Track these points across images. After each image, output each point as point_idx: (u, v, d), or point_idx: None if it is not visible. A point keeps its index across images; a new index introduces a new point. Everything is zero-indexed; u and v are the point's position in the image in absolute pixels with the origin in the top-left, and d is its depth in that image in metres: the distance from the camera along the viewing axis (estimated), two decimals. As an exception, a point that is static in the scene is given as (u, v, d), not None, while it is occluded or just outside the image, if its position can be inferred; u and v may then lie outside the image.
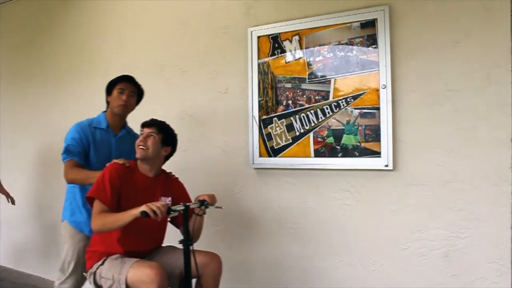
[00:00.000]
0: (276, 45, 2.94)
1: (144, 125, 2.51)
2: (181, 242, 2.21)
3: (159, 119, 2.55)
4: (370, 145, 2.64)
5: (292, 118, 2.87)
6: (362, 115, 2.66)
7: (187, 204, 2.26)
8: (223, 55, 3.21)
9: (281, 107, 2.91)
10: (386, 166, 2.59)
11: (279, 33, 2.93)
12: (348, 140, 2.70)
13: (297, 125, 2.86)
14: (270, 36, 2.97)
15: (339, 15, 2.73)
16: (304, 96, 2.83)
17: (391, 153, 2.57)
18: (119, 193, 2.36)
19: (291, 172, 2.92)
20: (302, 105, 2.83)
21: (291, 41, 2.89)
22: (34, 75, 4.48)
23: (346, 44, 2.72)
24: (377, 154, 2.61)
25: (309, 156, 2.82)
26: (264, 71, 2.97)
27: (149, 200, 2.21)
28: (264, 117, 2.97)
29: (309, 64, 2.83)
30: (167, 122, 2.58)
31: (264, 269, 3.01)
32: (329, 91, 2.76)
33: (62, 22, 4.26)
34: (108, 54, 3.88)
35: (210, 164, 3.18)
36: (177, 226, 2.55)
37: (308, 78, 2.82)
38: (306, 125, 2.82)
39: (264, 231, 3.03)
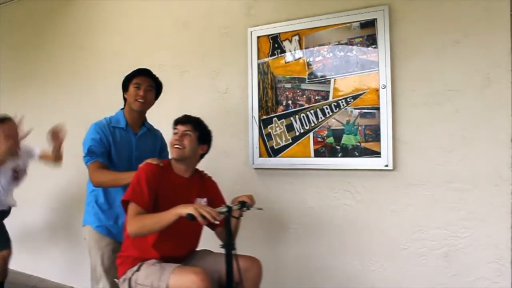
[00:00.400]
0: (276, 45, 2.94)
1: (178, 122, 2.36)
2: (223, 246, 2.07)
3: (193, 115, 2.44)
4: (370, 145, 2.63)
5: (292, 118, 2.87)
6: (362, 115, 2.66)
7: (230, 205, 2.13)
8: (223, 55, 3.22)
9: (281, 107, 2.91)
10: (386, 166, 2.59)
11: (279, 33, 2.93)
12: (348, 140, 2.70)
13: (297, 125, 2.85)
14: (270, 36, 2.97)
15: (339, 15, 2.73)
16: (304, 96, 2.83)
17: (391, 153, 2.57)
18: (156, 196, 2.21)
19: (291, 172, 2.92)
20: (302, 105, 2.83)
21: (291, 41, 2.89)
22: (34, 75, 4.47)
23: (346, 44, 2.72)
24: (377, 154, 2.61)
25: (309, 156, 2.82)
26: (264, 71, 2.97)
27: (186, 202, 2.08)
28: (264, 117, 2.97)
29: (308, 64, 2.83)
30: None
31: (263, 269, 3.00)
32: (329, 91, 2.76)
33: (61, 22, 4.27)
34: (108, 54, 3.88)
35: (210, 164, 3.17)
36: (212, 228, 2.40)
37: (308, 78, 2.82)
38: (306, 125, 2.82)
39: (263, 231, 3.03)
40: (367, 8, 2.66)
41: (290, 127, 2.88)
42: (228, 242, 2.06)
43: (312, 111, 2.81)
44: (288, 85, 2.89)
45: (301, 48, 2.85)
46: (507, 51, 2.33)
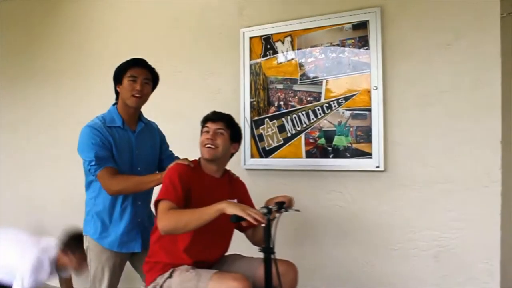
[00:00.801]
0: (268, 46, 2.94)
1: (209, 119, 2.21)
2: (262, 250, 1.94)
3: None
4: (361, 146, 2.64)
5: (283, 119, 2.87)
6: (354, 116, 2.67)
7: (270, 207, 2.00)
8: (216, 55, 3.21)
9: (273, 108, 2.91)
10: (377, 167, 2.60)
11: (271, 34, 2.93)
12: (339, 141, 2.71)
13: (288, 126, 2.86)
14: (262, 37, 2.97)
15: (331, 16, 2.74)
16: (296, 97, 2.83)
17: (382, 154, 2.58)
18: (188, 196, 2.08)
19: (282, 173, 2.92)
20: (293, 106, 2.84)
21: (283, 42, 2.89)
22: (31, 74, 4.43)
23: (338, 45, 2.73)
24: (368, 155, 2.62)
25: (301, 157, 2.82)
26: (256, 72, 2.97)
27: None
28: (256, 118, 2.97)
29: (301, 65, 2.83)
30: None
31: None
32: (320, 92, 2.76)
33: (54, 21, 4.22)
34: (102, 52, 3.84)
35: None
36: (242, 230, 2.31)
37: (300, 79, 2.83)
38: (298, 126, 2.83)
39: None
40: (359, 10, 2.67)
41: (282, 128, 2.88)
42: (268, 246, 1.93)
43: (304, 112, 2.81)
44: (280, 86, 2.89)
45: (293, 49, 2.85)
46: (497, 53, 2.35)
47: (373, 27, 2.62)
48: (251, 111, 2.99)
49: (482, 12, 2.39)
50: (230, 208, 1.83)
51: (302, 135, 2.82)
